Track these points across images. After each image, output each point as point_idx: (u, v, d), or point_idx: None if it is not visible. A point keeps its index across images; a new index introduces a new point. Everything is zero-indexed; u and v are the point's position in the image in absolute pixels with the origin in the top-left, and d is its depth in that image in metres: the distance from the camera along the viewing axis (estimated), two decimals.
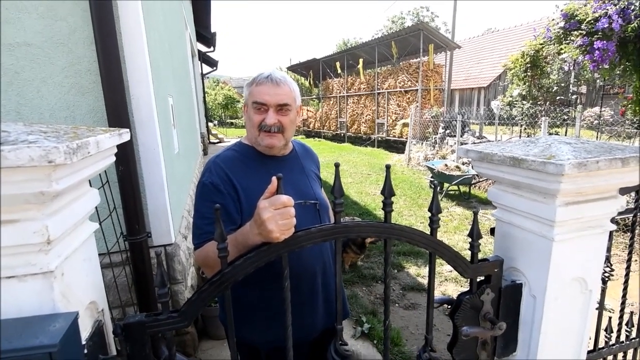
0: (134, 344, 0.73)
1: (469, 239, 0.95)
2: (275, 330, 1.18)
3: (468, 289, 0.99)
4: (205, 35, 10.60)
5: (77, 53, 1.70)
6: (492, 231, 1.12)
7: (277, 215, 0.77)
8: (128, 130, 0.79)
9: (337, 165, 0.78)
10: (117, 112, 1.71)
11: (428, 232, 0.88)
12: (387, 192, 0.81)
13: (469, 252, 0.95)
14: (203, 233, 1.11)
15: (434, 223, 0.88)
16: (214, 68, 14.64)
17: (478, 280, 0.98)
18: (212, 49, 12.13)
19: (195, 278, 2.81)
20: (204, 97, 13.80)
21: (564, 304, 0.97)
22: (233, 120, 31.97)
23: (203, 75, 13.51)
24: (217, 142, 16.82)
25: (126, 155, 1.73)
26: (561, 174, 0.78)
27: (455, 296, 1.02)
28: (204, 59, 13.09)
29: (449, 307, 1.04)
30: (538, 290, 0.96)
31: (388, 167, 0.83)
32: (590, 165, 0.79)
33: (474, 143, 8.78)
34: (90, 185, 0.78)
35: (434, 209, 0.87)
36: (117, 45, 1.68)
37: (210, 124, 18.91)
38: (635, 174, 0.88)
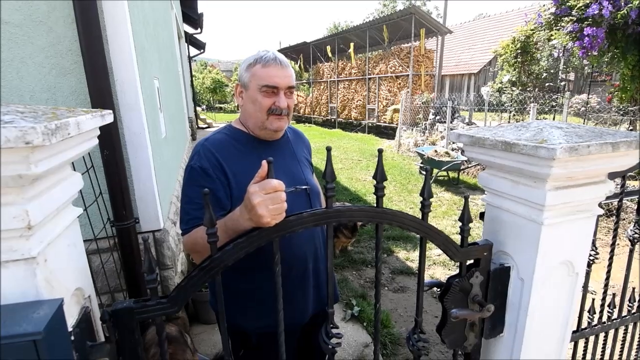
0: (123, 330, 0.72)
1: (459, 224, 0.95)
2: (267, 316, 1.19)
3: (456, 272, 1.00)
4: (191, 16, 10.29)
5: (58, 32, 1.63)
6: (482, 215, 1.12)
7: (267, 199, 0.76)
8: (111, 111, 0.76)
9: (328, 150, 0.77)
10: (101, 95, 1.65)
11: (419, 217, 0.88)
12: (379, 176, 0.80)
13: (458, 237, 0.96)
14: (191, 218, 1.09)
15: (425, 208, 0.88)
16: (202, 50, 14.27)
17: (467, 263, 0.99)
18: (199, 30, 11.80)
19: (186, 263, 2.80)
20: (192, 81, 13.50)
21: (551, 286, 0.99)
22: (222, 105, 31.40)
23: (190, 58, 13.18)
24: (206, 127, 16.57)
25: (111, 139, 1.68)
26: (552, 159, 0.78)
27: (444, 279, 1.03)
28: (191, 41, 12.75)
29: (439, 290, 1.06)
30: (526, 273, 0.97)
31: (380, 151, 0.82)
32: (581, 149, 0.79)
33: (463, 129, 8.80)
34: (75, 170, 0.75)
35: (426, 194, 0.86)
36: (99, 24, 1.61)
37: (198, 109, 18.58)
38: (624, 159, 0.88)
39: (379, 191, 0.82)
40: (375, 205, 0.84)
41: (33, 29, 1.60)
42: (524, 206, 0.94)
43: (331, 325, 0.87)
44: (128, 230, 1.84)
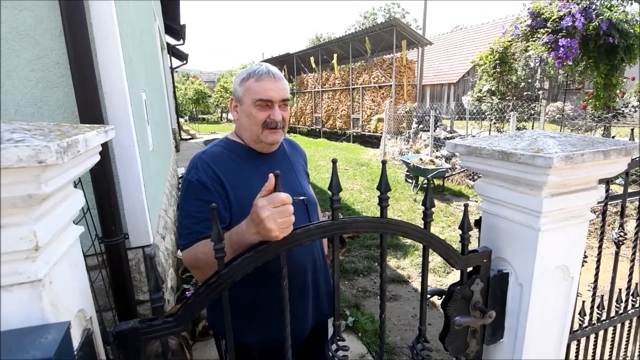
0: (128, 352, 0.70)
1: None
2: (268, 331, 1.17)
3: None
4: (174, 27, 10.24)
5: (44, 45, 1.59)
6: (477, 223, 1.15)
7: (276, 213, 0.75)
8: (113, 126, 0.75)
9: (334, 162, 0.78)
10: (90, 108, 1.61)
11: (421, 226, 0.89)
12: (384, 187, 0.82)
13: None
14: (190, 233, 1.06)
15: (427, 217, 0.89)
16: (184, 62, 14.19)
17: (468, 271, 1.00)
18: (181, 41, 11.75)
19: (175, 279, 2.73)
20: (174, 92, 13.38)
21: (548, 291, 1.01)
22: (205, 116, 31.18)
23: (172, 69, 13.08)
24: (189, 139, 16.39)
25: (100, 154, 1.64)
26: (549, 167, 0.81)
27: (435, 286, 1.04)
28: (174, 52, 12.67)
29: (439, 298, 1.07)
30: (524, 278, 0.99)
31: (384, 162, 0.83)
32: (576, 157, 0.83)
33: (446, 137, 9.01)
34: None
35: (428, 204, 0.88)
36: (87, 37, 1.58)
37: (181, 120, 18.39)
38: (614, 166, 0.92)
39: (383, 202, 0.83)
40: (379, 215, 0.85)
41: (19, 41, 1.56)
42: (520, 213, 0.97)
43: (338, 338, 0.86)
44: (117, 247, 1.79)
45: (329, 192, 0.78)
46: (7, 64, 1.55)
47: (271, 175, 0.76)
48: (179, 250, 2.90)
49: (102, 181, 1.69)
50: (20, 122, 0.58)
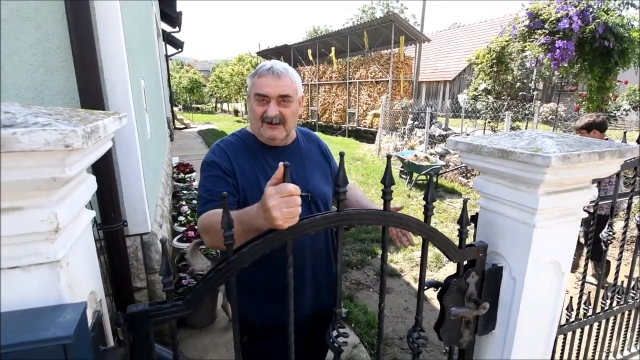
0: (137, 334, 0.72)
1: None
2: (265, 309, 1.25)
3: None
4: (170, 14, 10.08)
5: (46, 29, 1.58)
6: (473, 218, 1.18)
7: (282, 203, 0.77)
8: (126, 113, 0.76)
9: (341, 155, 0.80)
10: (91, 95, 1.61)
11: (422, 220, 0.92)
12: (388, 181, 0.84)
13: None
14: (206, 202, 1.17)
15: (428, 211, 0.92)
16: (180, 50, 13.99)
17: (464, 264, 1.04)
18: (177, 29, 11.58)
19: (174, 267, 2.74)
20: (169, 80, 13.22)
21: (540, 285, 1.05)
22: (199, 106, 30.91)
23: (167, 57, 12.90)
24: (183, 128, 16.24)
25: None
26: (547, 166, 0.84)
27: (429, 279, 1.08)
28: (169, 39, 12.49)
29: (436, 290, 1.11)
30: (518, 272, 1.03)
31: (389, 157, 0.85)
32: (572, 157, 0.86)
33: (441, 135, 9.07)
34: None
35: (429, 199, 0.91)
36: (90, 21, 1.58)
37: (175, 109, 18.19)
38: (608, 167, 0.96)
39: (387, 195, 0.86)
40: (382, 209, 0.88)
41: (20, 24, 1.54)
42: (517, 210, 1.00)
43: (338, 325, 0.89)
44: (116, 233, 1.80)
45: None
46: (9, 47, 1.54)
47: (281, 165, 0.78)
48: (174, 240, 2.91)
49: (103, 168, 1.69)
50: (39, 107, 0.59)
